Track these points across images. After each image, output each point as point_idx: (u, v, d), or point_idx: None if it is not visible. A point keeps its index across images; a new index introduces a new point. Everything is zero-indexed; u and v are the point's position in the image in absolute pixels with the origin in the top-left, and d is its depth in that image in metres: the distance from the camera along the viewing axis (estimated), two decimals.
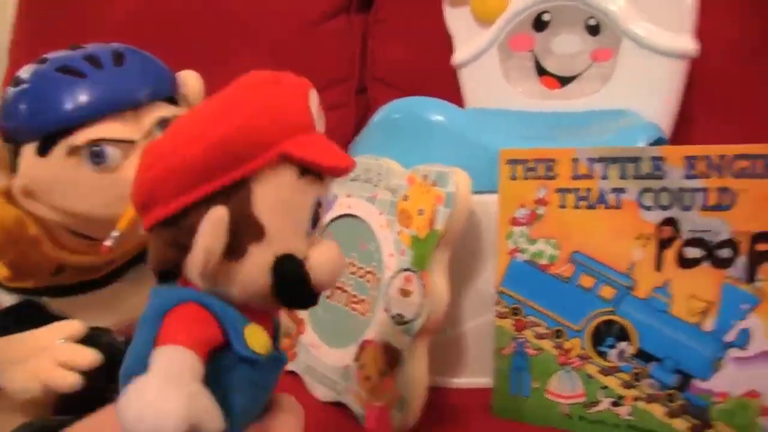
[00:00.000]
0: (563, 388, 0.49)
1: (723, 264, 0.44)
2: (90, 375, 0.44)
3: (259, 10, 0.94)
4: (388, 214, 0.55)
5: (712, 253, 0.44)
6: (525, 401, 0.50)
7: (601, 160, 0.48)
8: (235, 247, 0.30)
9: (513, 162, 0.51)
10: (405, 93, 0.79)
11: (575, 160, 0.49)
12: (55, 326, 0.46)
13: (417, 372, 0.50)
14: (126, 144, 0.47)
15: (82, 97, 0.46)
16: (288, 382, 0.55)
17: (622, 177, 0.47)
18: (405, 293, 0.52)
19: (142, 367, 0.29)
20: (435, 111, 0.63)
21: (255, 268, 0.31)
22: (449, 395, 0.58)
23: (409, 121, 0.64)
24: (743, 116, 0.84)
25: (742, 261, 0.44)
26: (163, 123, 0.48)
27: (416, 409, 0.50)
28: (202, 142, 0.30)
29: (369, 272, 0.56)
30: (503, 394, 0.52)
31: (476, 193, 0.52)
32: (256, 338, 0.32)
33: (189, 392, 0.27)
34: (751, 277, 0.43)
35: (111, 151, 0.46)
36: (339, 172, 0.33)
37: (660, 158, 0.46)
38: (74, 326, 0.46)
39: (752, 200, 0.43)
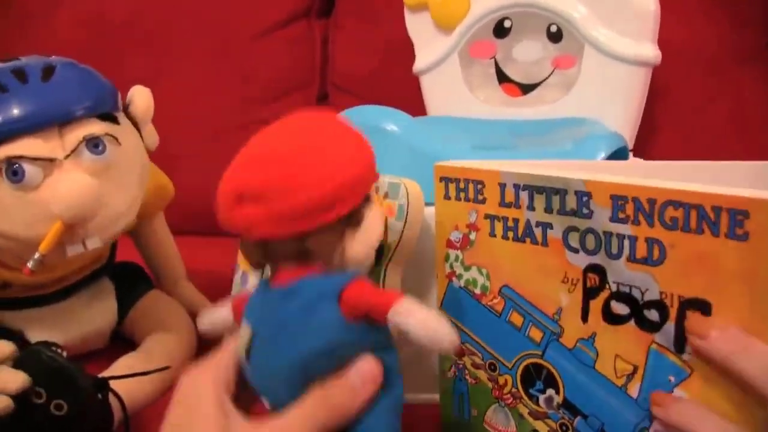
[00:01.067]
0: (498, 422, 0.46)
1: (650, 327, 0.37)
2: (26, 393, 0.43)
3: (217, 16, 0.92)
4: None
5: (640, 312, 0.37)
6: (468, 425, 0.47)
7: (525, 188, 0.41)
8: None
9: (446, 180, 0.46)
10: (366, 100, 0.76)
11: (502, 185, 0.42)
12: None
13: None
14: (46, 162, 0.45)
15: (2, 113, 0.44)
16: None
17: (547, 210, 0.40)
18: None
19: (337, 340, 0.35)
20: (387, 119, 0.61)
21: (374, 222, 0.38)
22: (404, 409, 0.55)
23: (361, 130, 0.61)
24: (705, 124, 0.84)
25: (670, 327, 0.36)
26: (91, 141, 0.46)
27: None
28: (358, 165, 0.37)
29: None
30: (448, 415, 0.49)
31: (430, 204, 0.49)
32: None
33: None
34: (680, 347, 0.36)
35: (30, 168, 0.45)
36: None
37: (586, 194, 0.38)
38: (1, 349, 0.45)
39: (683, 258, 0.35)
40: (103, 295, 0.60)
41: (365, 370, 0.36)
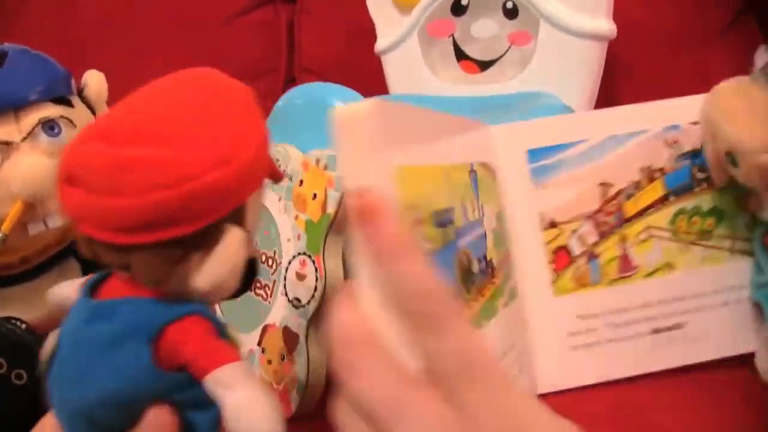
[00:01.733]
0: None
1: None
2: None
3: (186, 2, 0.93)
4: (286, 200, 0.54)
5: None
6: None
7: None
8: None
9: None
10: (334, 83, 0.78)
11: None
12: None
13: (314, 356, 0.50)
14: (3, 145, 0.47)
15: None
16: None
17: None
18: (300, 277, 0.51)
19: (139, 391, 0.29)
20: (334, 96, 0.63)
21: (229, 252, 0.30)
22: None
23: (310, 107, 0.64)
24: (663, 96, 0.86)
25: None
26: (47, 123, 0.49)
27: (315, 393, 0.50)
28: (226, 168, 0.28)
29: (270, 257, 0.56)
30: None
31: None
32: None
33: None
34: None
35: None
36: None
37: None
38: None
39: None
40: (70, 274, 0.61)
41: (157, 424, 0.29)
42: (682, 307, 0.52)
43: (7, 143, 0.47)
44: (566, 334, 0.52)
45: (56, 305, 0.37)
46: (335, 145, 0.36)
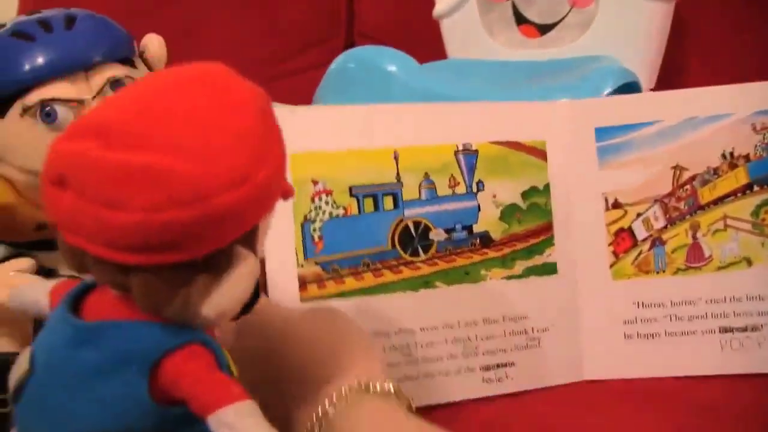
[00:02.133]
0: None
1: None
2: None
3: None
4: None
5: None
6: None
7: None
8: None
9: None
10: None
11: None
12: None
13: None
14: (76, 103, 0.49)
15: (32, 59, 0.48)
16: None
17: None
18: None
19: (131, 428, 0.25)
20: (387, 60, 0.63)
21: (242, 279, 0.26)
22: None
23: (362, 71, 0.63)
24: (733, 58, 0.77)
25: None
26: (115, 83, 0.50)
27: None
28: (243, 187, 0.24)
29: None
30: None
31: None
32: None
33: None
34: None
35: (61, 110, 0.49)
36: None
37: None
38: (22, 262, 0.51)
39: None
40: None
41: None
42: (758, 308, 0.48)
43: (80, 101, 0.50)
44: (621, 321, 0.49)
45: (20, 310, 0.33)
46: None
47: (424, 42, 0.78)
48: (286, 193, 0.29)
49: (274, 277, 0.46)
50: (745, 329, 0.47)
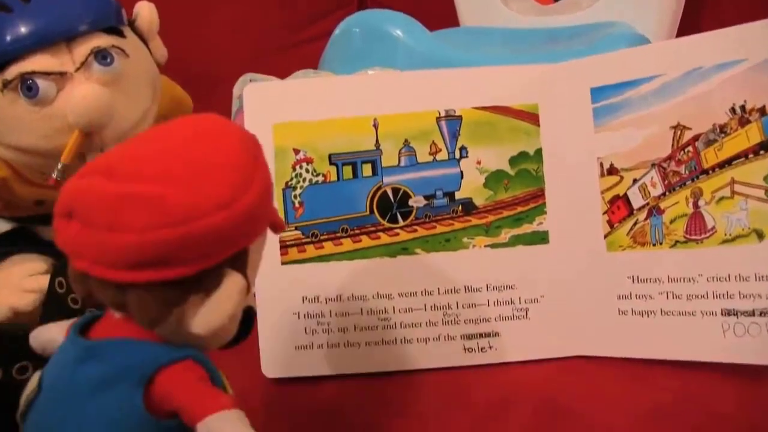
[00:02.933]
0: None
1: None
2: None
3: None
4: None
5: None
6: None
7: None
8: None
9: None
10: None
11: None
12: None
13: None
14: (58, 76, 0.47)
15: (8, 32, 0.46)
16: None
17: None
18: None
19: None
20: (391, 24, 0.61)
21: (230, 295, 0.29)
22: None
23: (367, 35, 0.62)
24: None
25: None
26: (99, 53, 0.48)
27: None
28: (231, 210, 0.28)
29: None
30: None
31: None
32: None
33: None
34: None
35: (43, 83, 0.47)
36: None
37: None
38: (36, 266, 0.51)
39: None
40: None
41: None
42: None
43: (62, 73, 0.47)
44: (615, 296, 0.45)
45: (39, 349, 0.35)
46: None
47: (438, 12, 0.76)
48: (276, 226, 0.32)
49: None
50: (751, 313, 0.41)
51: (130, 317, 0.29)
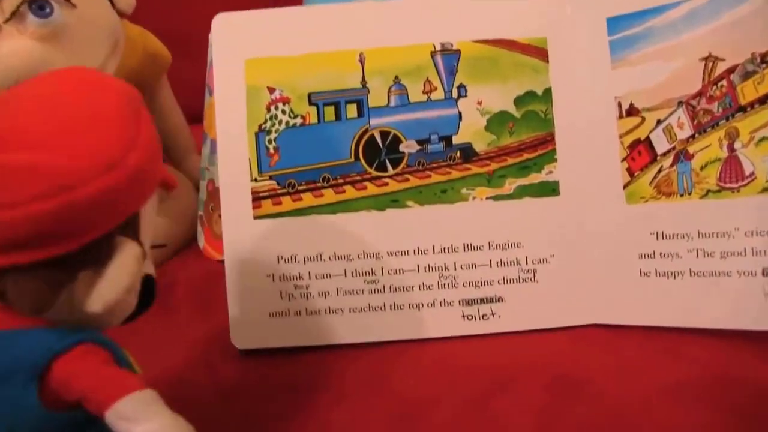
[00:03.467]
0: None
1: None
2: None
3: None
4: None
5: None
6: None
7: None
8: None
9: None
10: None
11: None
12: None
13: None
14: None
15: None
16: None
17: None
18: None
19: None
20: None
21: (123, 269, 0.26)
22: None
23: None
24: None
25: None
26: (35, 2, 0.43)
27: None
28: (118, 171, 0.25)
29: None
30: None
31: None
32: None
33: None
34: None
35: None
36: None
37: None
38: None
39: None
40: None
41: None
42: None
43: None
44: (636, 256, 0.40)
45: None
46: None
47: None
48: (168, 184, 0.28)
49: (227, 193, 0.41)
50: None
51: (12, 305, 0.26)
